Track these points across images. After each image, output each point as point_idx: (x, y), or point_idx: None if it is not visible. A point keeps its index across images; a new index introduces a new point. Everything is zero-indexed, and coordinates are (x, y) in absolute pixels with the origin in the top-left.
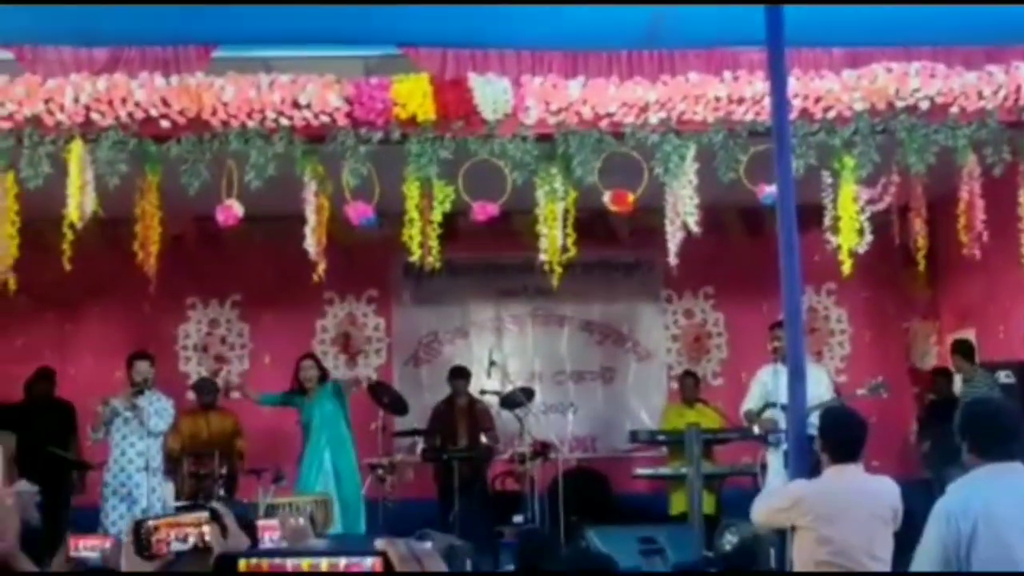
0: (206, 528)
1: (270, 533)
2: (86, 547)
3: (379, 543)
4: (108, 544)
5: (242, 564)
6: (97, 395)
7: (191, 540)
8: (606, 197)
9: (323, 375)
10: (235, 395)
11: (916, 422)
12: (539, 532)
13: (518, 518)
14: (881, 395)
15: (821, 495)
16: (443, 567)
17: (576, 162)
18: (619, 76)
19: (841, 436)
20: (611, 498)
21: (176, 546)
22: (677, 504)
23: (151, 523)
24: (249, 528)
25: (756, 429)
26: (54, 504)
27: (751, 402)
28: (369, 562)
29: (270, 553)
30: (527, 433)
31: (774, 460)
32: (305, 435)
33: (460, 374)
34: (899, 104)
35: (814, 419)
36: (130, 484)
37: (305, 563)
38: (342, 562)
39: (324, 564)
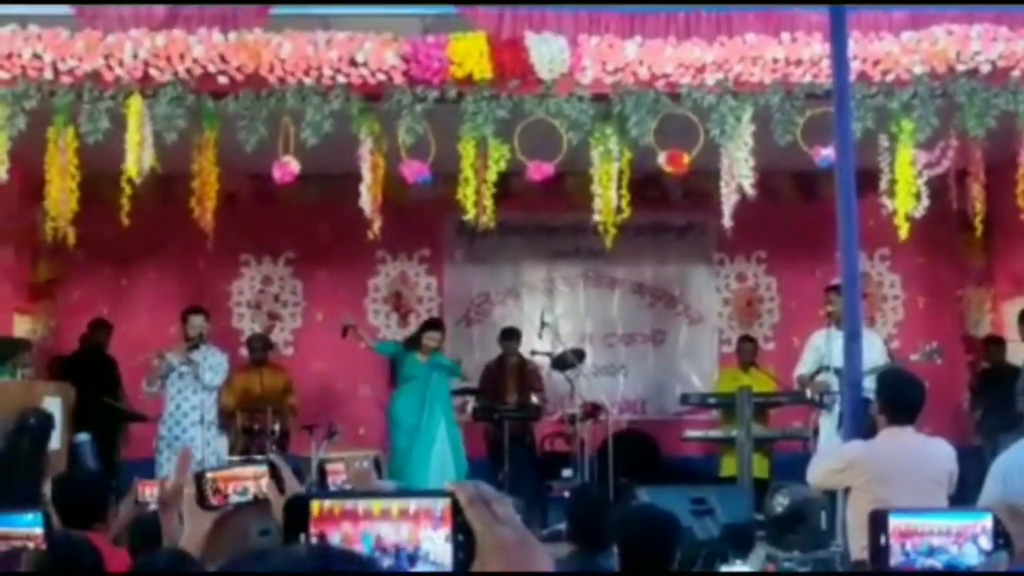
0: (264, 481)
1: (335, 477)
2: (151, 493)
3: (448, 485)
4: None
5: (315, 506)
6: (151, 349)
7: (250, 492)
8: (661, 158)
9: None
10: (353, 337)
11: (969, 390)
12: (591, 488)
13: (567, 472)
14: (935, 361)
15: (877, 456)
16: (511, 511)
17: (632, 123)
18: (676, 36)
19: (899, 398)
20: (661, 461)
21: (235, 498)
22: (728, 467)
23: (211, 475)
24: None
25: (809, 393)
26: (108, 454)
27: (804, 366)
28: (440, 505)
29: (341, 495)
30: (577, 395)
31: (826, 424)
32: (399, 390)
33: (511, 335)
34: (959, 67)
35: (868, 383)
36: (184, 438)
37: (376, 506)
38: (412, 504)
39: (395, 507)
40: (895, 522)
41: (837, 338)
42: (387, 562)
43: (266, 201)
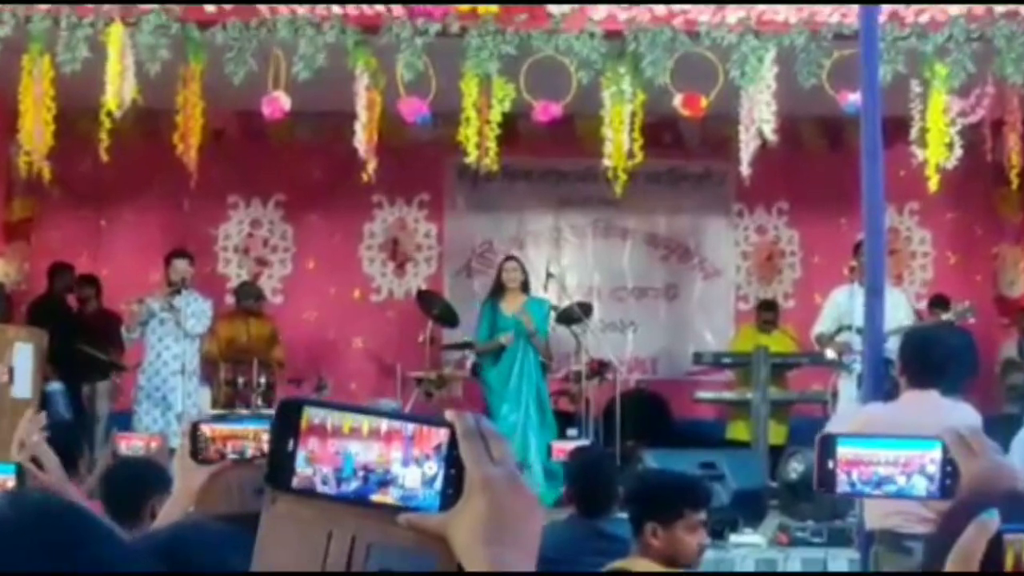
0: (264, 437)
1: None
2: (130, 446)
3: (449, 414)
4: (154, 444)
5: (305, 415)
6: (133, 295)
7: (248, 452)
8: (677, 100)
9: (526, 284)
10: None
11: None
12: (592, 449)
13: (572, 431)
14: (968, 319)
15: (895, 420)
16: (508, 453)
17: (646, 62)
18: None
19: (921, 358)
20: (671, 423)
21: (232, 456)
22: (736, 430)
23: (207, 429)
24: None
25: (829, 353)
26: (86, 404)
27: (823, 324)
28: (440, 433)
29: (337, 406)
30: (584, 351)
31: (846, 386)
32: (484, 363)
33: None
34: (998, 9)
35: (892, 345)
36: (165, 388)
37: (366, 424)
38: (409, 427)
39: (385, 426)
40: (843, 450)
41: (860, 295)
42: (354, 484)
43: (255, 139)
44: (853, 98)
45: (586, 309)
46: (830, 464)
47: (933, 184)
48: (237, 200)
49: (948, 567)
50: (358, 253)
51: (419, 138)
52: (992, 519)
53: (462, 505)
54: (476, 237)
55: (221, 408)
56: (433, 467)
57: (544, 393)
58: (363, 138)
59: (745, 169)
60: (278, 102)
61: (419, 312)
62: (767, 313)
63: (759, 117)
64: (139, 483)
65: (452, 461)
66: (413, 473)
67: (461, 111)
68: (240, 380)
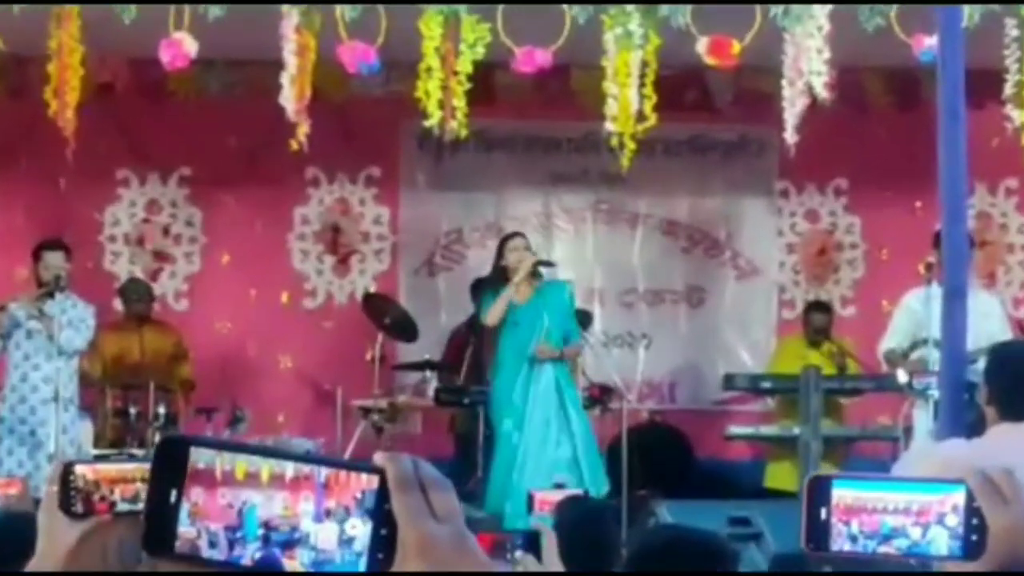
0: None
1: None
2: None
3: (379, 457)
4: (14, 490)
5: (192, 454)
6: None
7: (141, 499)
8: (701, 46)
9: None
10: None
11: None
12: (586, 500)
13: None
14: None
15: (983, 461)
16: (453, 504)
17: None
18: None
19: (1016, 382)
20: (694, 465)
21: (123, 506)
22: (776, 476)
23: (83, 471)
24: None
25: (901, 375)
26: None
27: (895, 338)
28: (364, 480)
29: (229, 446)
30: (581, 373)
31: (923, 418)
32: (497, 359)
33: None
34: None
35: (979, 365)
36: (33, 421)
37: (266, 468)
38: (322, 473)
39: (290, 471)
40: (840, 493)
41: (940, 299)
42: (251, 547)
43: (152, 96)
44: (929, 43)
45: (584, 319)
46: (823, 513)
47: None
48: (128, 175)
49: None
50: (287, 245)
51: (366, 94)
52: None
53: (395, 570)
54: (441, 224)
55: (107, 447)
56: (356, 524)
57: (579, 416)
58: (292, 94)
59: (791, 136)
60: (180, 47)
61: (366, 322)
62: (818, 319)
63: (808, 68)
64: None
65: (382, 517)
66: (328, 531)
67: (420, 59)
68: (132, 410)
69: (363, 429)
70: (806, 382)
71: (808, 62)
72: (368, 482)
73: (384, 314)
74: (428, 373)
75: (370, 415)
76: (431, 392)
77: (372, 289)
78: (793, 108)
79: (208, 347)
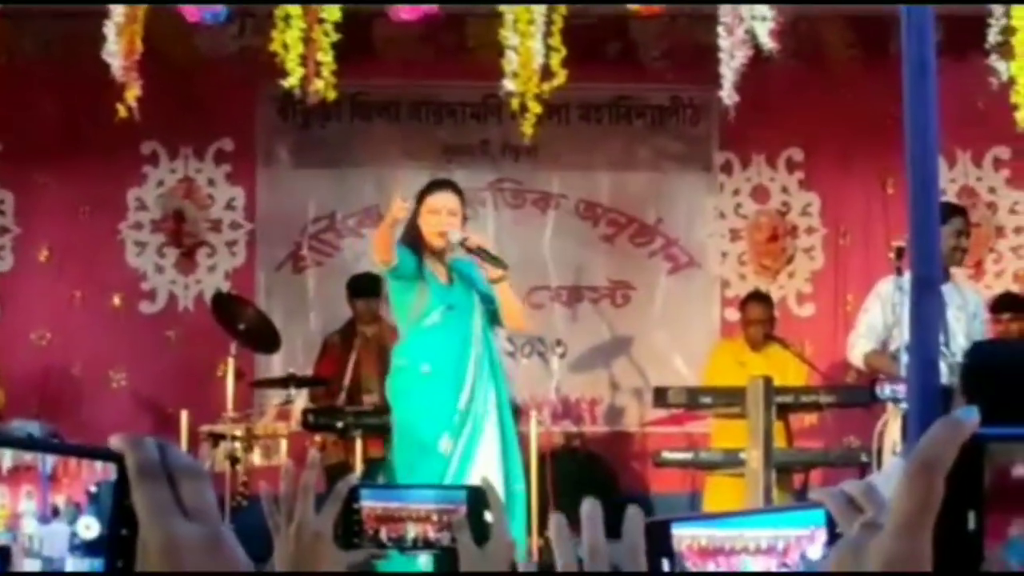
0: None
1: None
2: None
3: (115, 441)
4: None
5: None
6: None
7: None
8: None
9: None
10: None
11: None
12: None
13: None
14: None
15: None
16: (206, 494)
17: None
18: None
19: (999, 390)
20: (617, 498)
21: None
22: (716, 508)
23: None
24: None
25: (879, 390)
26: None
27: (866, 335)
28: (99, 470)
29: None
30: None
31: (898, 433)
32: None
33: (369, 287)
34: None
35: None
36: None
37: None
38: (48, 462)
39: (7, 460)
40: (679, 533)
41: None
42: None
43: None
44: None
45: None
46: (665, 564)
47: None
48: None
49: (907, 475)
50: (119, 236)
51: (213, 51)
52: (969, 417)
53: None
54: (308, 208)
55: None
56: (90, 525)
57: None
58: (118, 49)
59: (728, 96)
60: None
61: (217, 329)
62: (756, 306)
63: (750, 13)
64: None
65: (121, 515)
66: (56, 533)
67: (277, 6)
68: None
69: (214, 460)
70: (754, 393)
71: (749, 7)
72: (104, 472)
73: (239, 319)
74: (294, 391)
75: (222, 444)
76: (298, 413)
77: (224, 289)
78: (732, 61)
79: (21, 362)
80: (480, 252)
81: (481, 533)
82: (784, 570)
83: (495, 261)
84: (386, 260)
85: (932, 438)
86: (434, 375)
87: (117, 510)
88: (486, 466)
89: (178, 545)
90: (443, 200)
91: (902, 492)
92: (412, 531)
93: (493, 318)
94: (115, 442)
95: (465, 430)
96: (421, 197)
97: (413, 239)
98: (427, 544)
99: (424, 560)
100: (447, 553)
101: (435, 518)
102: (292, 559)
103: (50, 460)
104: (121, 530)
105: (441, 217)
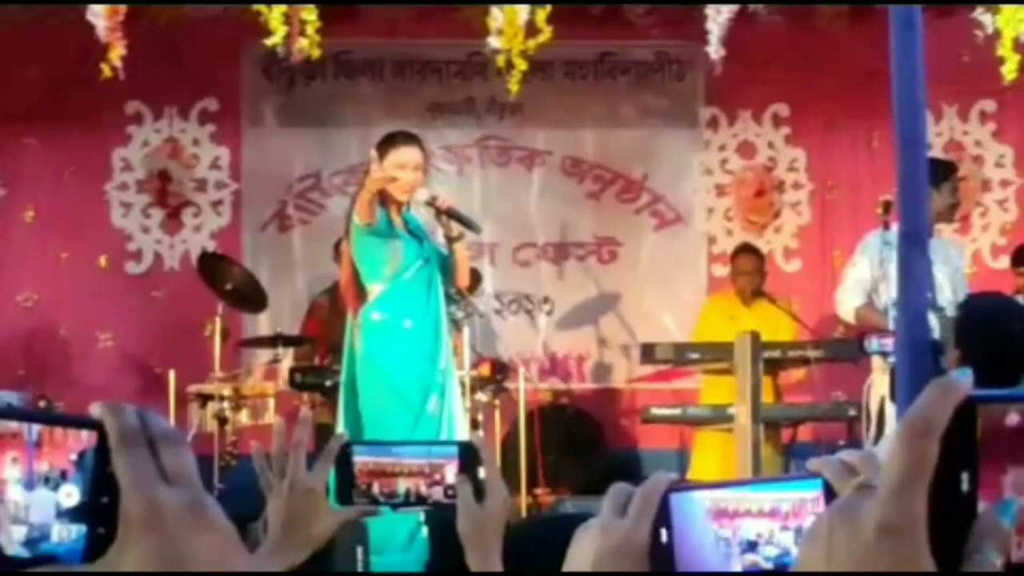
0: None
1: None
2: None
3: (95, 408)
4: None
5: None
6: None
7: None
8: None
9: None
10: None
11: None
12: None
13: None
14: None
15: None
16: (190, 464)
17: None
18: None
19: (992, 345)
20: (605, 455)
21: None
22: (703, 466)
23: None
24: None
25: (868, 344)
26: None
27: (853, 289)
28: (84, 438)
29: None
30: (469, 346)
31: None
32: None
33: None
34: None
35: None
36: None
37: None
38: (33, 430)
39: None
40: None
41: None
42: None
43: None
44: None
45: (472, 279)
46: (663, 535)
47: (1010, 71)
48: None
49: (901, 438)
50: (104, 196)
51: (198, 10)
52: (963, 379)
53: (115, 553)
54: (294, 167)
55: None
56: (72, 492)
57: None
58: (102, 8)
59: (715, 51)
60: None
61: (204, 289)
62: (746, 259)
63: None
64: None
65: (102, 482)
66: (42, 500)
67: None
68: None
69: (200, 421)
70: (742, 349)
71: None
72: (88, 439)
73: (225, 279)
74: (281, 350)
75: (210, 404)
76: (284, 374)
77: (210, 249)
78: (718, 16)
79: (8, 323)
80: (452, 213)
81: (476, 489)
82: (779, 561)
83: (468, 224)
84: (370, 222)
85: (925, 400)
86: (415, 330)
87: (98, 477)
88: (462, 427)
89: (160, 511)
90: (409, 155)
91: (895, 455)
92: (404, 486)
93: (444, 274)
94: (95, 409)
95: (446, 390)
96: (385, 150)
97: (380, 193)
98: (419, 499)
99: None
100: (438, 508)
101: (427, 472)
102: (285, 515)
103: (36, 427)
104: (102, 497)
105: (407, 172)
